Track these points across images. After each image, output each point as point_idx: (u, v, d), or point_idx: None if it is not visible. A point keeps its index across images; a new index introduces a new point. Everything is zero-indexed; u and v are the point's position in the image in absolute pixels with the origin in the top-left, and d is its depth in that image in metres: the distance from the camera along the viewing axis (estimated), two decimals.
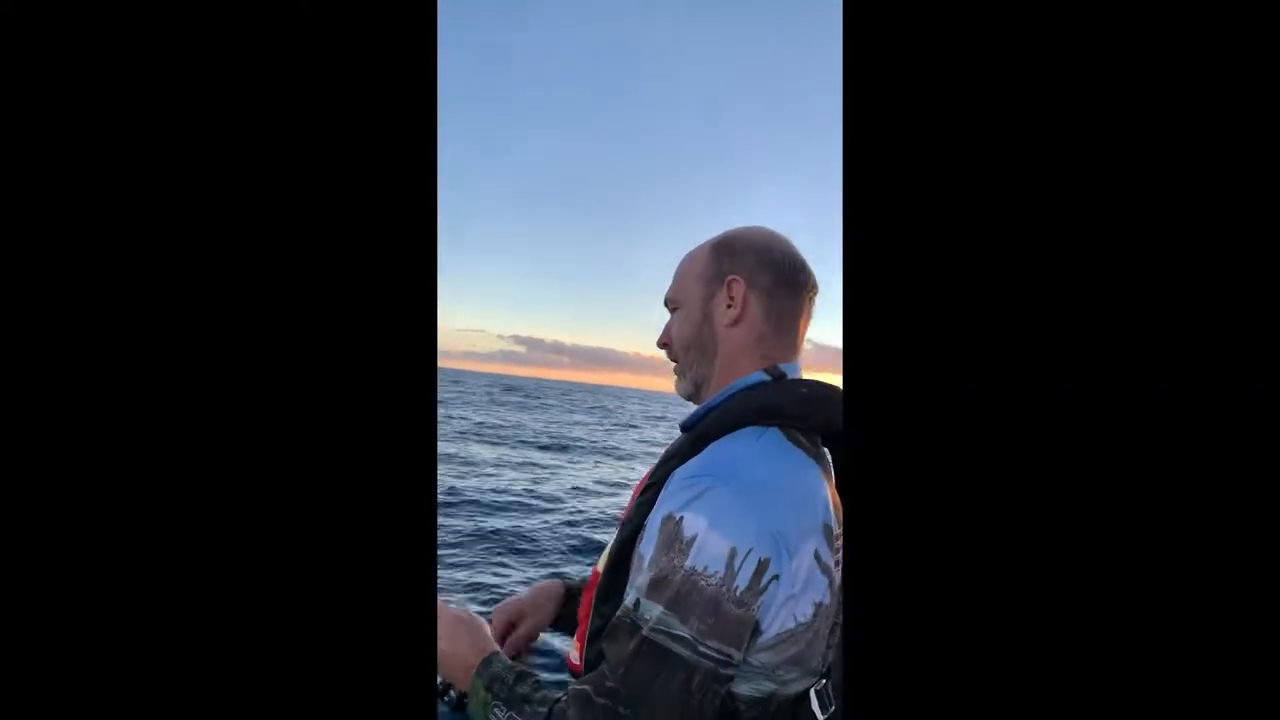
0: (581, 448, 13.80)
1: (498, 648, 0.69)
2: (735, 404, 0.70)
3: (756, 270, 0.75)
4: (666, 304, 0.83)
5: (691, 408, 0.80)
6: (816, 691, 0.65)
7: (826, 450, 0.73)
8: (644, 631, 0.56)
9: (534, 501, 6.96)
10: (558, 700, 0.59)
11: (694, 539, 0.57)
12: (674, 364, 0.82)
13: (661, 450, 0.77)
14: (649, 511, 0.65)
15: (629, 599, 0.60)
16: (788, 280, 0.75)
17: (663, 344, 0.83)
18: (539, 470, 9.68)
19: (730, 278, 0.75)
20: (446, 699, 0.69)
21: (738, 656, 0.58)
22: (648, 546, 0.61)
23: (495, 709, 0.60)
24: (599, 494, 8.11)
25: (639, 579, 0.60)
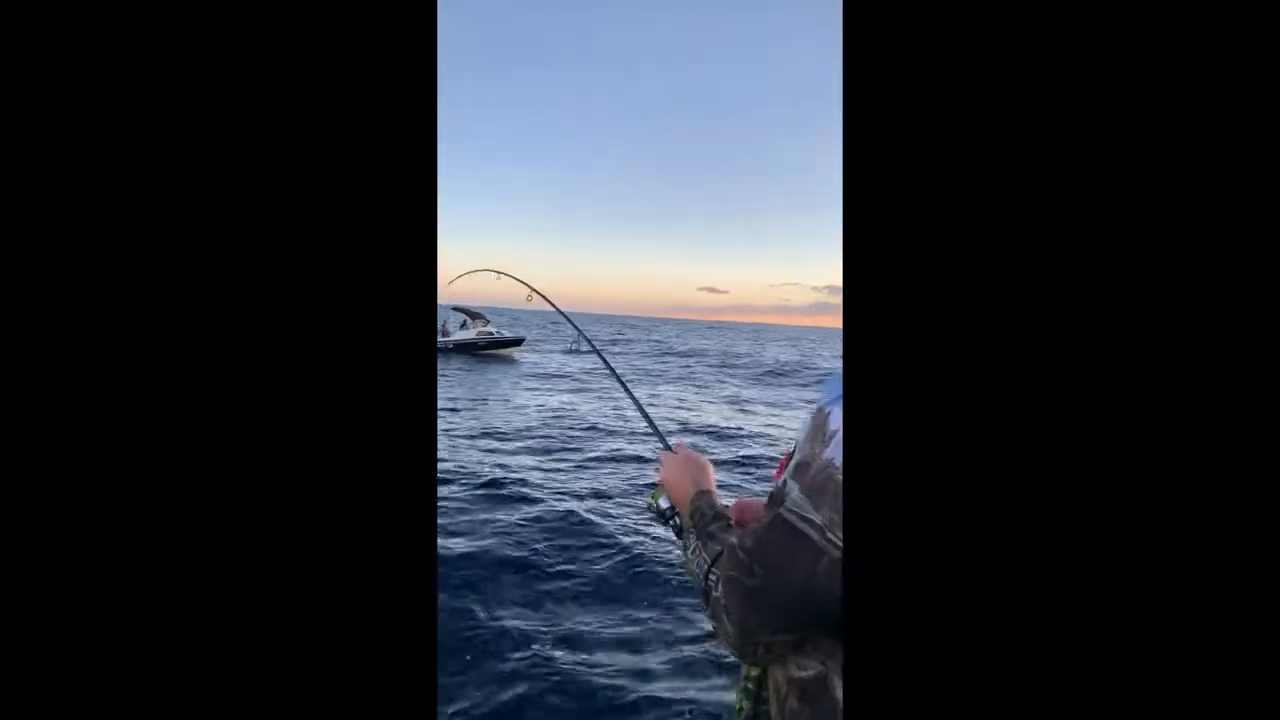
0: None
1: (712, 487, 0.87)
2: None
3: None
4: None
5: None
6: None
7: None
8: (782, 507, 0.62)
9: None
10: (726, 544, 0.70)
11: (835, 433, 0.60)
12: None
13: None
14: None
15: (785, 474, 0.66)
16: None
17: None
18: None
19: None
20: (671, 522, 0.92)
21: None
22: (802, 431, 0.67)
23: (690, 534, 0.80)
24: None
25: (794, 459, 0.66)
